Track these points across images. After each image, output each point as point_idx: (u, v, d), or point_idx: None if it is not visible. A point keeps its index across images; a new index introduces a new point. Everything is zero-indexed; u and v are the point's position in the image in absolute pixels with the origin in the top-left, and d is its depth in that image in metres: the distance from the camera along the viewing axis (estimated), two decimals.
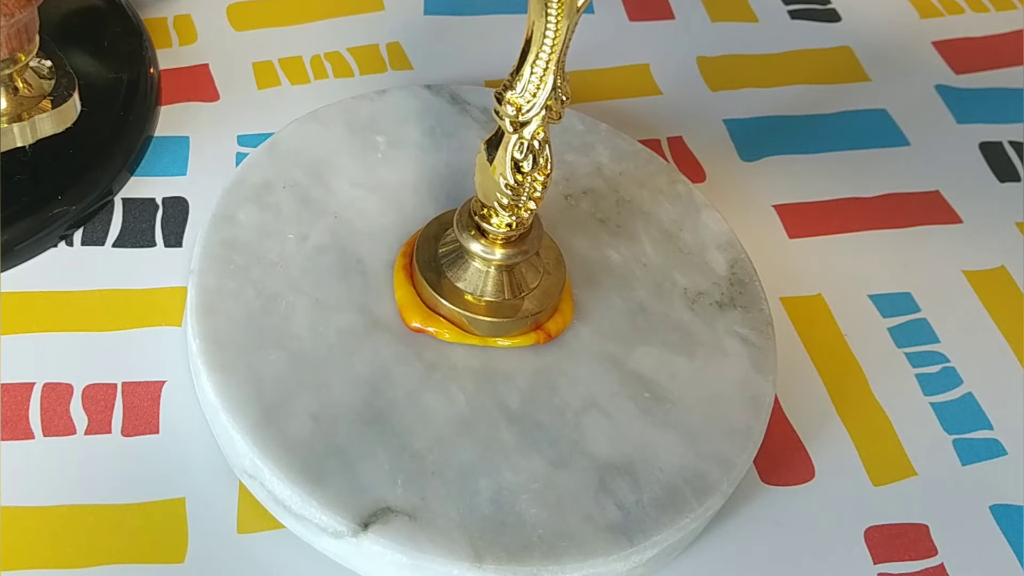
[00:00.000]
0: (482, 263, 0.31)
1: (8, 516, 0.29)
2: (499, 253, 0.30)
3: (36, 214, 0.34)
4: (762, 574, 0.31)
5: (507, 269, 0.31)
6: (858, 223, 0.40)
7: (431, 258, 0.32)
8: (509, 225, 0.30)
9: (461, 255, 0.32)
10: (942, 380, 0.36)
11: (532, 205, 0.29)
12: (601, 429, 0.31)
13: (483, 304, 0.31)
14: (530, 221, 0.30)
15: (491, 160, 0.29)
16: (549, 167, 0.28)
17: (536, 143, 0.28)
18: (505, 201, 0.29)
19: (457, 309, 0.31)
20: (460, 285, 0.32)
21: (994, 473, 0.34)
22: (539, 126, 0.28)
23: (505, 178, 0.28)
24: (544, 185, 0.29)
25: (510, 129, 0.28)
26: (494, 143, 0.29)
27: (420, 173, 0.36)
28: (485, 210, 0.30)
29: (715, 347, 0.33)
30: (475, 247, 0.30)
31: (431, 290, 0.31)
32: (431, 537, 0.28)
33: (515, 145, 0.28)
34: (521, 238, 0.31)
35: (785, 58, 0.46)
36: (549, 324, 0.32)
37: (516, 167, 0.28)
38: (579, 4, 0.25)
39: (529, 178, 0.28)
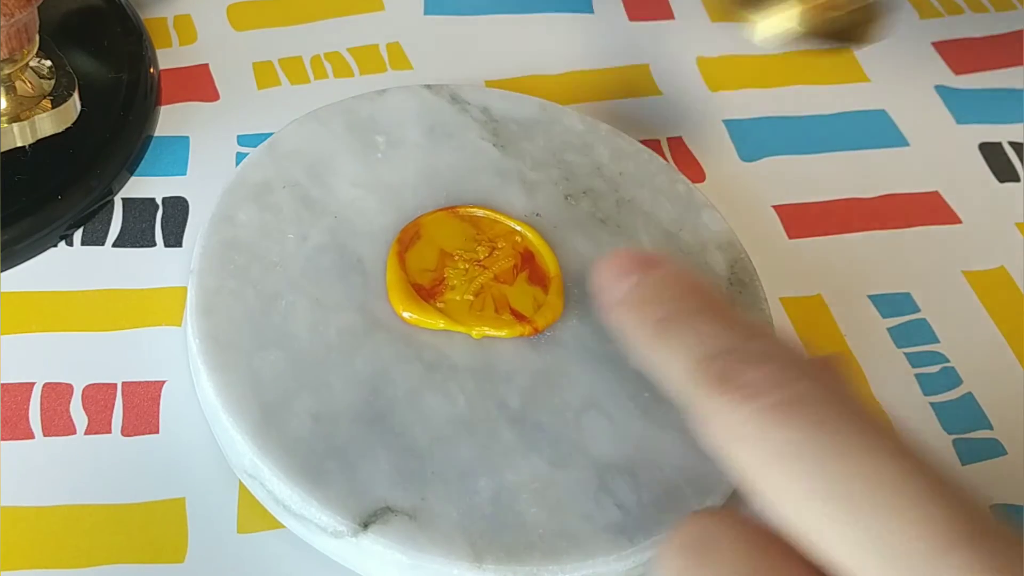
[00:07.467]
0: None
1: (8, 516, 0.29)
2: None
3: (36, 214, 0.34)
4: None
5: None
6: (858, 223, 0.40)
7: None
8: None
9: None
10: (942, 380, 0.36)
11: None
12: (601, 429, 0.31)
13: None
14: None
15: None
16: None
17: None
18: None
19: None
20: None
21: (994, 473, 0.34)
22: None
23: None
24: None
25: None
26: None
27: (420, 173, 0.36)
28: None
29: None
30: None
31: None
32: (431, 537, 0.28)
33: None
34: None
35: (785, 58, 0.46)
36: (537, 317, 0.32)
37: None
38: None
39: None
